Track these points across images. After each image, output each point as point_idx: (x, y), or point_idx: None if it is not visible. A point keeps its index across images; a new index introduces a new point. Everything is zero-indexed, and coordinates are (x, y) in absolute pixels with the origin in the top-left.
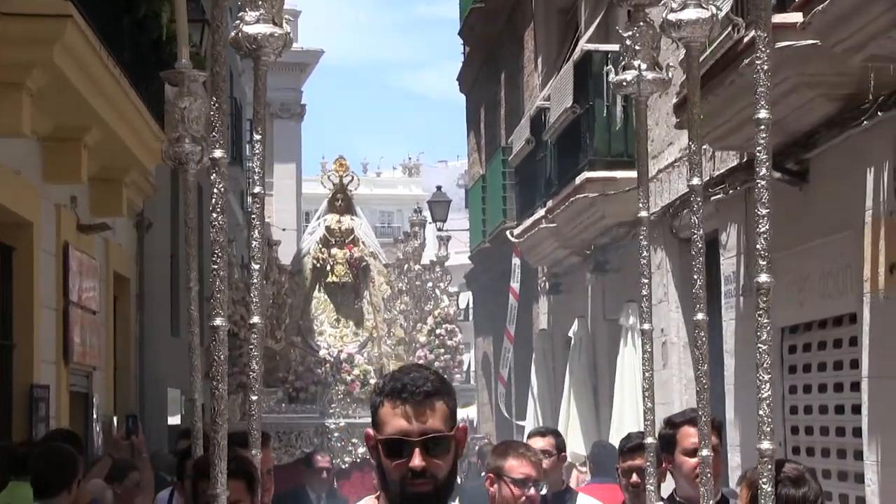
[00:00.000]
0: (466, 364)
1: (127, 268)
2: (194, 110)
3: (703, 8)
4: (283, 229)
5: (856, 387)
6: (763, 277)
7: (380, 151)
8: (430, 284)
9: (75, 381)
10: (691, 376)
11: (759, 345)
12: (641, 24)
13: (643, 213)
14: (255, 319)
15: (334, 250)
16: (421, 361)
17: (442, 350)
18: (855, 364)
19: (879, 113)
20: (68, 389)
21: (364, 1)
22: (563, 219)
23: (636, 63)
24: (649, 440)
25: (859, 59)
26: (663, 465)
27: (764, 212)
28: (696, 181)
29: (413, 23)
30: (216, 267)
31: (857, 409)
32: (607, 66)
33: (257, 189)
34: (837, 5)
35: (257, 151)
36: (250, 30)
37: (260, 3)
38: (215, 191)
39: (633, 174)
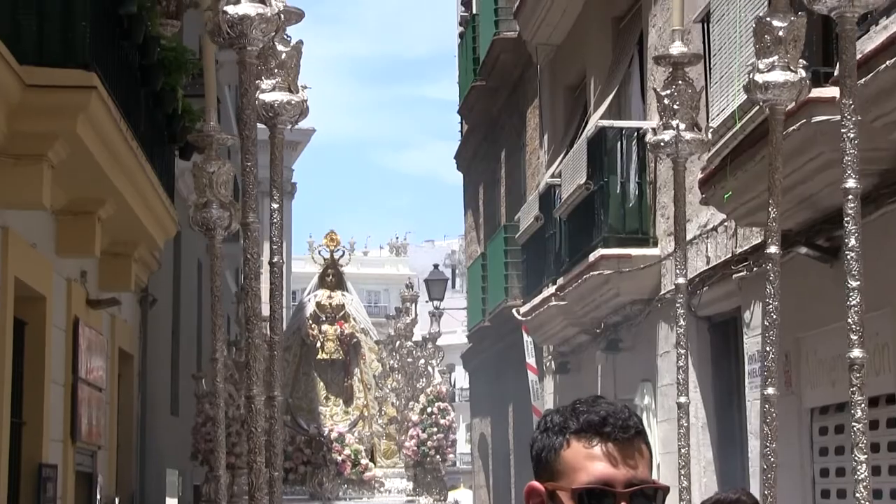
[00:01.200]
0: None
1: (131, 344)
2: (223, 175)
3: (792, 71)
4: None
5: (895, 471)
6: (856, 353)
7: (366, 230)
8: (422, 361)
9: (81, 459)
10: (710, 458)
11: (854, 423)
12: (680, 82)
13: (680, 280)
14: (277, 394)
15: (325, 327)
16: (413, 441)
17: (435, 429)
18: (894, 446)
19: None
20: (74, 469)
21: (352, 80)
22: (575, 296)
23: (674, 123)
24: None
25: None
26: None
27: (854, 284)
28: (773, 249)
29: (401, 102)
30: (251, 336)
31: None
32: (624, 135)
33: (276, 259)
34: (880, 79)
35: (275, 220)
36: (267, 97)
37: (276, 70)
38: (249, 256)
39: (648, 251)
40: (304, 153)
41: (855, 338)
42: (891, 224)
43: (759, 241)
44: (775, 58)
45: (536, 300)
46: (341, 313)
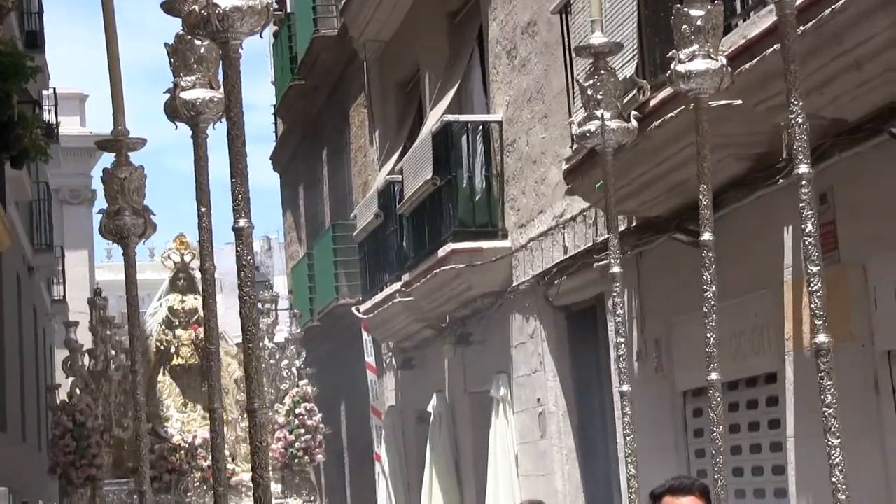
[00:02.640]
0: None
1: None
2: (135, 180)
3: (713, 59)
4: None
5: (776, 447)
6: (822, 338)
7: (166, 236)
8: (284, 363)
9: None
10: (572, 446)
11: (825, 408)
12: (603, 72)
13: (616, 269)
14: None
15: (178, 332)
16: (280, 443)
17: (302, 430)
18: (774, 424)
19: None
20: None
21: (143, 85)
22: (423, 292)
23: (599, 113)
24: None
25: (783, 117)
26: None
27: (814, 269)
28: (707, 237)
29: None
30: (251, 346)
31: (778, 470)
32: (470, 129)
33: (207, 264)
34: (766, 63)
35: (204, 225)
36: (188, 95)
37: (195, 67)
38: (244, 262)
39: (499, 244)
40: (101, 160)
41: (819, 323)
42: (768, 207)
43: (623, 228)
44: (695, 47)
45: (379, 297)
46: (195, 317)
